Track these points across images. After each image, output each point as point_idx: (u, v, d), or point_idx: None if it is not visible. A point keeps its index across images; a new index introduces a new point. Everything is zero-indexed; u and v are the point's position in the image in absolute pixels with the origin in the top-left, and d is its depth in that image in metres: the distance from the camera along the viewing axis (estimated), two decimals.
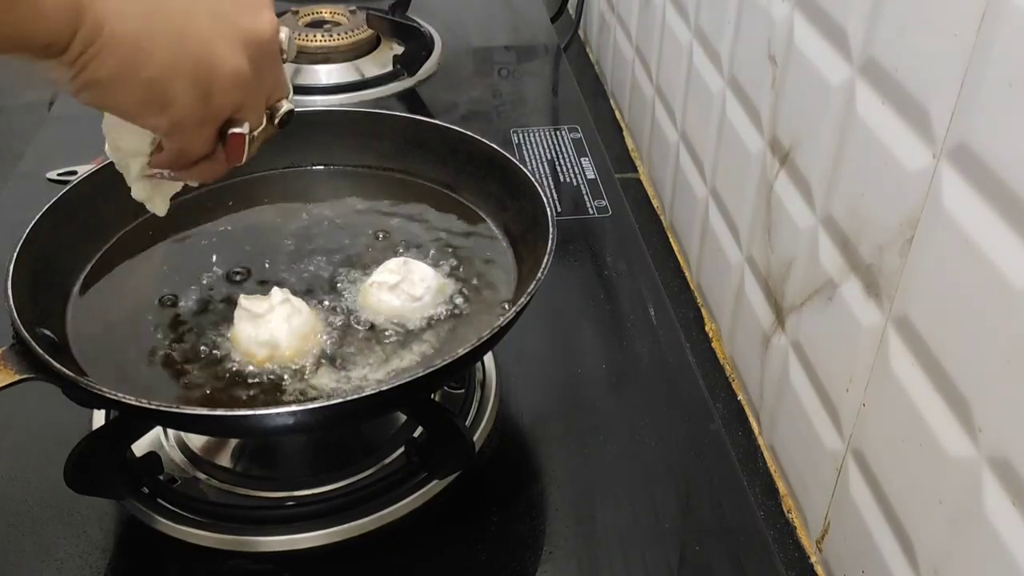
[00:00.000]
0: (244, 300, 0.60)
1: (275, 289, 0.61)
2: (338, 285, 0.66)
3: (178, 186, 0.58)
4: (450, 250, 0.69)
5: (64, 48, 0.41)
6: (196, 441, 0.66)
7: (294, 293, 0.62)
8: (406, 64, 1.17)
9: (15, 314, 0.55)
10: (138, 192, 0.56)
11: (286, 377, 0.58)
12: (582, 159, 1.01)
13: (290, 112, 0.53)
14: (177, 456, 0.65)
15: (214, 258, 0.68)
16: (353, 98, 1.13)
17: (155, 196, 0.57)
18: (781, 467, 0.70)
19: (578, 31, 1.37)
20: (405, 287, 0.62)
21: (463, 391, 0.69)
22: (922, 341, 0.49)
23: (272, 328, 0.58)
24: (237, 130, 0.50)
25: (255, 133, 0.51)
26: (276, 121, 0.53)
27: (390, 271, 0.63)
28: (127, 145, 0.53)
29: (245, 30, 0.47)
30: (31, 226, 0.62)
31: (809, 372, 0.64)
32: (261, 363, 0.59)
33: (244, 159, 0.51)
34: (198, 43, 0.45)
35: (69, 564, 0.59)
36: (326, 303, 0.64)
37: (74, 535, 0.60)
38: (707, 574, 0.60)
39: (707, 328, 0.86)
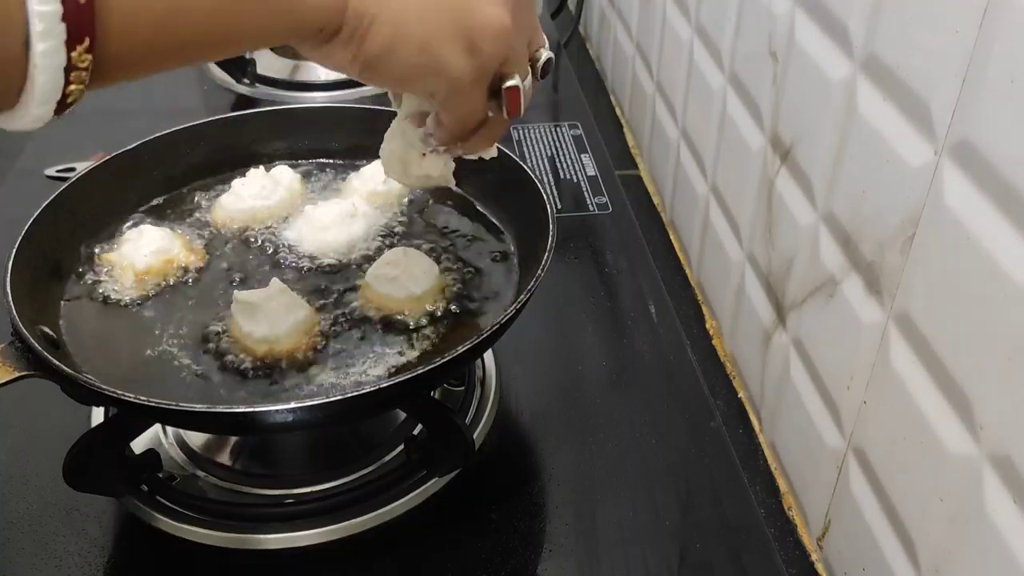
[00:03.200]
0: (240, 294, 0.60)
1: (274, 280, 0.61)
2: (337, 279, 0.65)
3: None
4: (450, 245, 0.69)
5: (337, 29, 0.43)
6: (195, 438, 0.66)
7: (292, 287, 0.62)
8: None
9: (14, 311, 0.55)
10: (427, 170, 0.57)
11: (285, 373, 0.58)
12: (582, 156, 1.01)
13: (550, 60, 0.52)
14: (176, 454, 0.65)
15: (212, 252, 0.68)
16: (353, 94, 1.13)
17: (443, 170, 0.58)
18: (782, 465, 0.70)
19: (578, 27, 1.37)
20: (405, 280, 0.62)
21: (463, 388, 0.69)
22: (923, 338, 0.49)
23: (270, 323, 0.58)
24: (511, 83, 0.49)
25: (526, 84, 0.51)
26: (539, 70, 0.52)
27: (389, 263, 0.63)
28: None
29: None
30: (30, 223, 0.62)
31: (810, 369, 0.64)
32: (260, 358, 0.58)
33: (522, 112, 0.51)
34: (460, 3, 0.46)
35: (68, 561, 0.59)
36: (325, 297, 0.64)
37: (73, 533, 0.60)
38: (707, 572, 0.60)
39: (708, 325, 0.86)
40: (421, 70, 0.46)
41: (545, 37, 0.53)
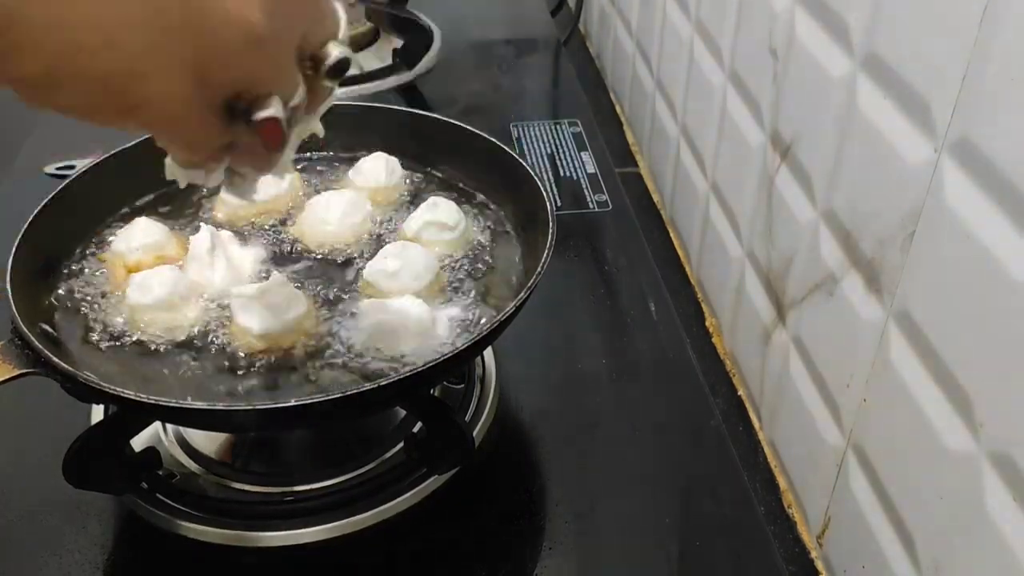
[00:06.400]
0: (238, 288, 0.59)
1: (274, 274, 0.61)
2: (337, 273, 0.65)
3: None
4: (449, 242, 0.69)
5: None
6: (195, 436, 0.66)
7: (292, 281, 0.62)
8: (405, 58, 1.17)
9: (14, 309, 0.55)
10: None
11: (284, 369, 0.58)
12: (582, 153, 1.01)
13: (343, 60, 0.39)
14: (176, 451, 0.65)
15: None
16: (352, 92, 1.12)
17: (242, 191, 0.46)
18: (781, 462, 0.70)
19: (578, 25, 1.37)
20: (405, 275, 0.62)
21: (463, 386, 0.69)
22: (923, 336, 0.49)
23: (270, 318, 0.58)
24: (265, 113, 0.36)
25: (295, 103, 0.38)
26: (325, 71, 0.39)
27: (389, 258, 0.62)
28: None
29: None
30: (29, 221, 0.61)
31: (810, 367, 0.64)
32: (259, 354, 0.58)
33: (289, 142, 0.39)
34: (178, 8, 0.32)
35: (68, 559, 0.59)
36: (324, 293, 0.64)
37: (73, 530, 0.60)
38: (707, 570, 0.60)
39: (707, 323, 0.86)
40: (108, 106, 0.34)
41: (342, 25, 0.39)
